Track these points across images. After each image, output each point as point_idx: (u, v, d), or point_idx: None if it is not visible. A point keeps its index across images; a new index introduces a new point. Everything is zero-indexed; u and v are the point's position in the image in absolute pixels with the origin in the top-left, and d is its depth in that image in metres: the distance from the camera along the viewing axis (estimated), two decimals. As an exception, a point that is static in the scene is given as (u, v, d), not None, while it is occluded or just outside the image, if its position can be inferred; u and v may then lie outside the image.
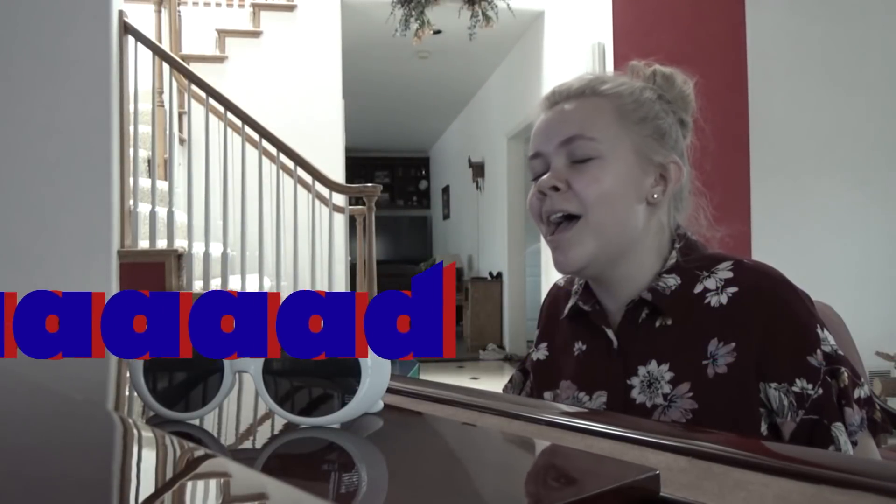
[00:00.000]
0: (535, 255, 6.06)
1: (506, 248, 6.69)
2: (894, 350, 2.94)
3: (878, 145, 3.50)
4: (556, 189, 0.82)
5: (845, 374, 0.74)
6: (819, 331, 0.76)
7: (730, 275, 0.80)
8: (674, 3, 3.44)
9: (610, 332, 0.84)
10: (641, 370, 0.80)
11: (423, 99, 7.83)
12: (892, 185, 3.47)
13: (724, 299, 0.78)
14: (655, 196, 0.83)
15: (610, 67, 4.05)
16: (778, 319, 0.75)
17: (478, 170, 7.64)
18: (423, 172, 10.92)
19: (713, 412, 0.75)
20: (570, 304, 0.90)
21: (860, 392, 0.74)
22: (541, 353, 0.95)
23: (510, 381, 1.02)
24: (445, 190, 9.83)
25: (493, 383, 5.57)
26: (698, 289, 0.80)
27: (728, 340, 0.76)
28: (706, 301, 0.79)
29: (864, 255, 3.41)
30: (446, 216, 9.83)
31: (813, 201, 3.41)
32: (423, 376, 4.77)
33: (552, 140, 0.84)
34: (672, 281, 0.82)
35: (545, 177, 0.83)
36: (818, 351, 0.74)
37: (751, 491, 0.36)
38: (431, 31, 4.56)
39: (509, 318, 6.80)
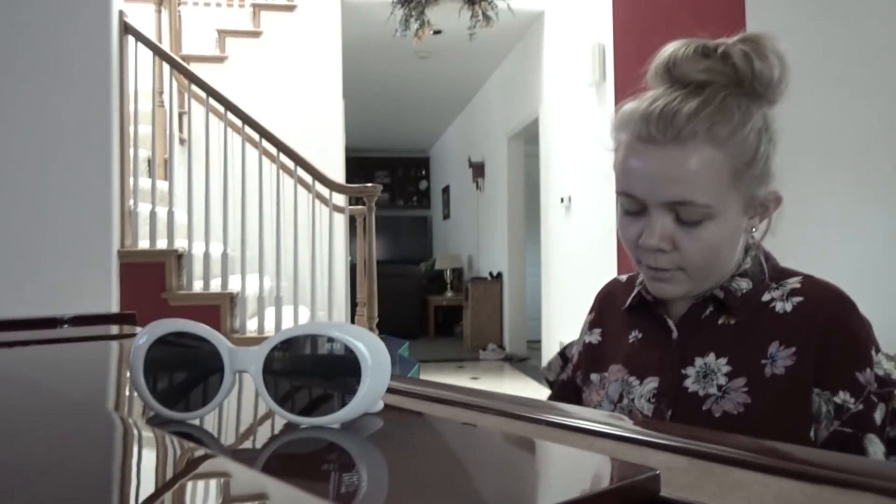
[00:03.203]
0: (535, 255, 6.06)
1: (506, 248, 6.69)
2: (894, 350, 2.94)
3: (879, 145, 3.50)
4: (661, 250, 0.79)
5: None
6: (873, 353, 0.77)
7: (798, 286, 0.81)
8: (674, 3, 3.44)
9: (671, 323, 0.85)
10: (699, 361, 0.81)
11: (423, 99, 7.83)
12: (894, 185, 3.47)
13: (788, 307, 0.80)
14: (755, 229, 0.84)
15: (610, 67, 4.05)
16: (835, 333, 0.77)
17: (478, 170, 7.64)
18: (423, 172, 10.92)
19: (765, 410, 0.76)
20: (634, 293, 0.91)
21: None
22: (594, 338, 0.96)
23: (548, 364, 1.04)
24: (445, 190, 9.83)
25: (493, 383, 5.57)
26: (766, 297, 0.82)
27: (789, 345, 0.77)
28: (772, 306, 0.81)
29: (864, 254, 3.41)
30: (446, 216, 9.83)
31: (814, 201, 3.41)
32: (423, 376, 4.77)
33: (656, 193, 0.77)
34: (744, 284, 0.83)
35: (650, 237, 0.78)
36: (868, 370, 0.75)
37: (751, 491, 0.36)
38: (431, 31, 4.56)
39: (509, 318, 6.80)
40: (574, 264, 4.65)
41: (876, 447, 0.72)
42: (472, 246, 8.31)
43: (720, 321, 0.82)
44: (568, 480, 0.37)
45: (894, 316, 3.35)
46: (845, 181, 3.49)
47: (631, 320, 0.91)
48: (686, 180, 0.76)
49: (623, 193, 0.81)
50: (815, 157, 3.49)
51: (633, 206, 0.81)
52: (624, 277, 0.98)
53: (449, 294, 8.40)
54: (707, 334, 0.82)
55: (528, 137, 6.14)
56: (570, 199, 4.73)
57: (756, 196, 0.81)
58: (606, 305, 0.97)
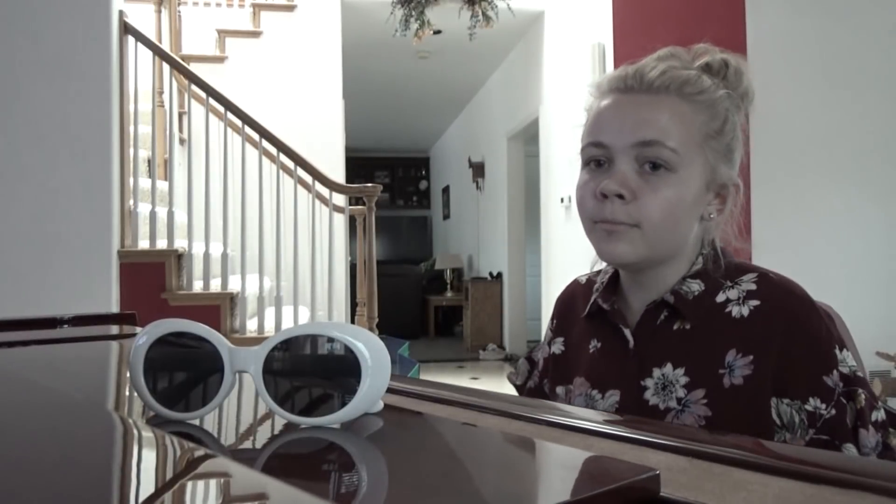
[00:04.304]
0: (535, 255, 6.06)
1: (506, 248, 6.69)
2: (894, 350, 2.94)
3: (879, 145, 3.50)
4: (620, 196, 0.78)
5: (862, 396, 0.73)
6: (837, 352, 0.75)
7: (753, 287, 0.79)
8: (674, 3, 3.44)
9: (627, 332, 0.84)
10: (656, 372, 0.80)
11: (423, 99, 7.83)
12: (893, 184, 3.47)
13: (745, 311, 0.78)
14: (712, 216, 0.82)
15: (610, 67, 4.05)
16: (796, 338, 0.75)
17: (478, 170, 7.64)
18: (423, 172, 10.91)
19: (726, 422, 0.75)
20: (591, 301, 0.89)
21: (877, 415, 0.74)
22: (557, 348, 0.95)
23: (515, 368, 1.03)
24: (445, 190, 9.83)
25: (493, 383, 5.57)
26: (721, 298, 0.80)
27: (746, 353, 0.76)
28: (727, 311, 0.79)
29: (864, 254, 3.41)
30: (446, 216, 9.83)
31: (813, 200, 3.41)
32: (423, 376, 4.77)
33: (625, 136, 0.78)
34: (696, 286, 0.81)
35: (611, 181, 0.78)
36: (835, 372, 0.74)
37: (751, 491, 0.36)
38: (431, 31, 4.56)
39: (509, 318, 6.80)
40: (574, 264, 4.64)
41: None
42: (472, 246, 8.31)
43: (675, 327, 0.81)
44: (568, 480, 0.37)
45: (894, 316, 3.35)
46: (845, 180, 3.49)
47: (590, 329, 0.90)
48: (656, 122, 0.78)
49: (590, 144, 0.81)
50: (814, 158, 3.48)
51: (597, 154, 0.81)
52: (583, 279, 0.97)
53: (449, 294, 8.39)
54: (663, 342, 0.81)
55: (528, 137, 6.13)
56: (570, 199, 4.73)
57: (719, 173, 0.81)
58: (567, 312, 0.96)
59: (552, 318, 0.98)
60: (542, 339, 1.01)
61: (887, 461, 0.72)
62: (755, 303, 0.78)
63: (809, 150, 3.46)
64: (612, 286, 0.89)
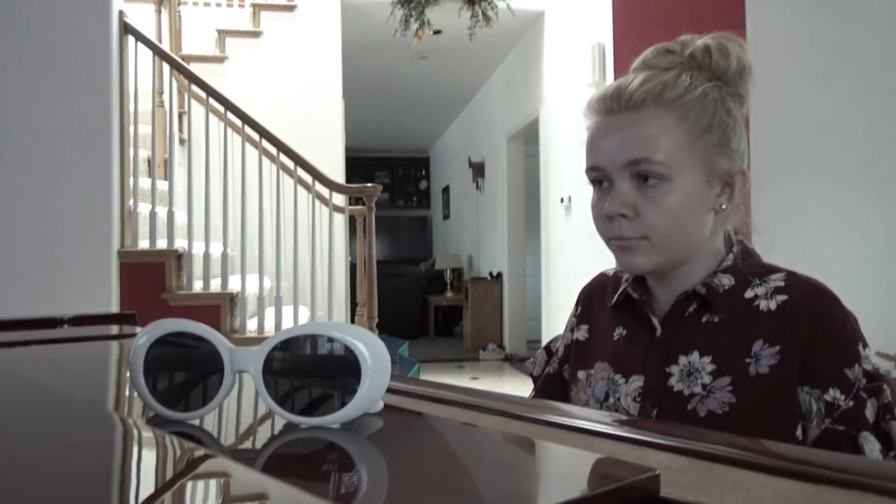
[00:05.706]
0: (535, 255, 6.06)
1: (506, 248, 6.69)
2: (894, 350, 2.94)
3: (879, 146, 3.50)
4: (623, 216, 0.81)
5: (888, 391, 0.75)
6: (861, 349, 0.77)
7: (782, 284, 0.81)
8: (674, 3, 3.44)
9: (655, 320, 0.86)
10: (682, 359, 0.82)
11: (423, 99, 7.83)
12: (893, 185, 3.47)
13: (772, 305, 0.80)
14: (723, 207, 0.83)
15: (610, 67, 4.05)
16: (822, 332, 0.77)
17: (478, 170, 7.64)
18: (423, 172, 10.91)
19: (750, 409, 0.77)
20: (620, 290, 0.92)
21: None
22: (581, 334, 0.97)
23: (533, 359, 1.05)
24: (445, 190, 9.83)
25: (493, 383, 5.57)
26: (749, 294, 0.82)
27: (773, 343, 0.78)
28: (755, 304, 0.81)
29: (864, 254, 3.41)
30: (446, 216, 9.83)
31: (813, 201, 3.41)
32: (423, 376, 4.77)
33: (615, 159, 0.81)
34: (727, 280, 0.84)
35: (612, 203, 0.81)
36: (857, 366, 0.76)
37: (751, 491, 0.36)
38: (431, 31, 4.56)
39: (509, 318, 6.80)
40: (574, 264, 4.65)
41: (872, 445, 0.72)
42: (472, 246, 8.31)
43: (704, 319, 0.83)
44: (568, 480, 0.37)
45: (894, 316, 3.35)
46: (845, 180, 3.49)
47: (616, 317, 0.92)
48: (640, 140, 0.80)
49: (590, 168, 0.85)
50: (814, 158, 3.49)
51: (599, 179, 0.84)
52: (611, 272, 0.98)
53: (449, 294, 8.39)
54: (690, 332, 0.83)
55: (528, 137, 6.14)
56: (570, 199, 4.73)
57: (717, 166, 0.82)
58: (593, 301, 0.98)
59: (576, 306, 1.00)
60: (565, 327, 1.02)
61: (887, 461, 0.72)
62: (783, 297, 0.80)
63: (809, 150, 3.46)
64: (640, 279, 0.91)
